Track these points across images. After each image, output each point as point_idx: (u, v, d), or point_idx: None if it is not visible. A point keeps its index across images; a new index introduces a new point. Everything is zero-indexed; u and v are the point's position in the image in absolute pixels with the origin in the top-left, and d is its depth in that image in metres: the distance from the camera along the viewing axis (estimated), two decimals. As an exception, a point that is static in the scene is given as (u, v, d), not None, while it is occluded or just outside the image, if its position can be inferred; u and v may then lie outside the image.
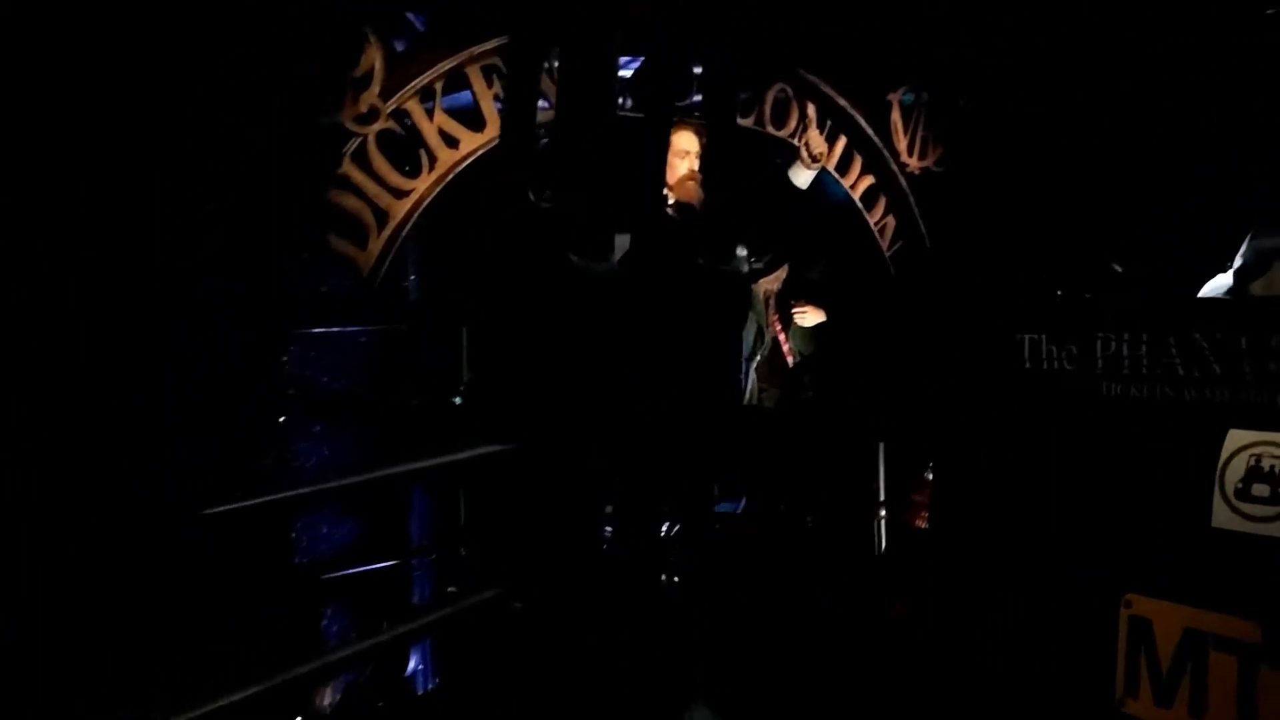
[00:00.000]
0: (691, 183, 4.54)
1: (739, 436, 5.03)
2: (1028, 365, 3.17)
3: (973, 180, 6.32)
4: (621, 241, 3.97)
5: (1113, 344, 3.02)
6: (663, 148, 4.38)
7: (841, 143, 5.93)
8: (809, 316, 5.64)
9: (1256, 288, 4.27)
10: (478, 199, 4.46)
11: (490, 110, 4.54)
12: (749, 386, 5.76)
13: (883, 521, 5.06)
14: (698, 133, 4.68)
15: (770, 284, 5.63)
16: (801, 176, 4.63)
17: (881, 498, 5.10)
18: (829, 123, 5.87)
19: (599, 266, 3.94)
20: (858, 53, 5.80)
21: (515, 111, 3.89)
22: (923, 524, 4.97)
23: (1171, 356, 2.90)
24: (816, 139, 4.59)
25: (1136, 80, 5.89)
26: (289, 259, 4.20)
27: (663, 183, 4.42)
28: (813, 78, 5.70)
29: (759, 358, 5.77)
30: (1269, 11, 4.95)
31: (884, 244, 6.14)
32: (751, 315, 5.66)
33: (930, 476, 4.73)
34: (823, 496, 5.07)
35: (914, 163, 6.14)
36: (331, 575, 4.22)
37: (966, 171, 6.30)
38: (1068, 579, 2.99)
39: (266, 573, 3.72)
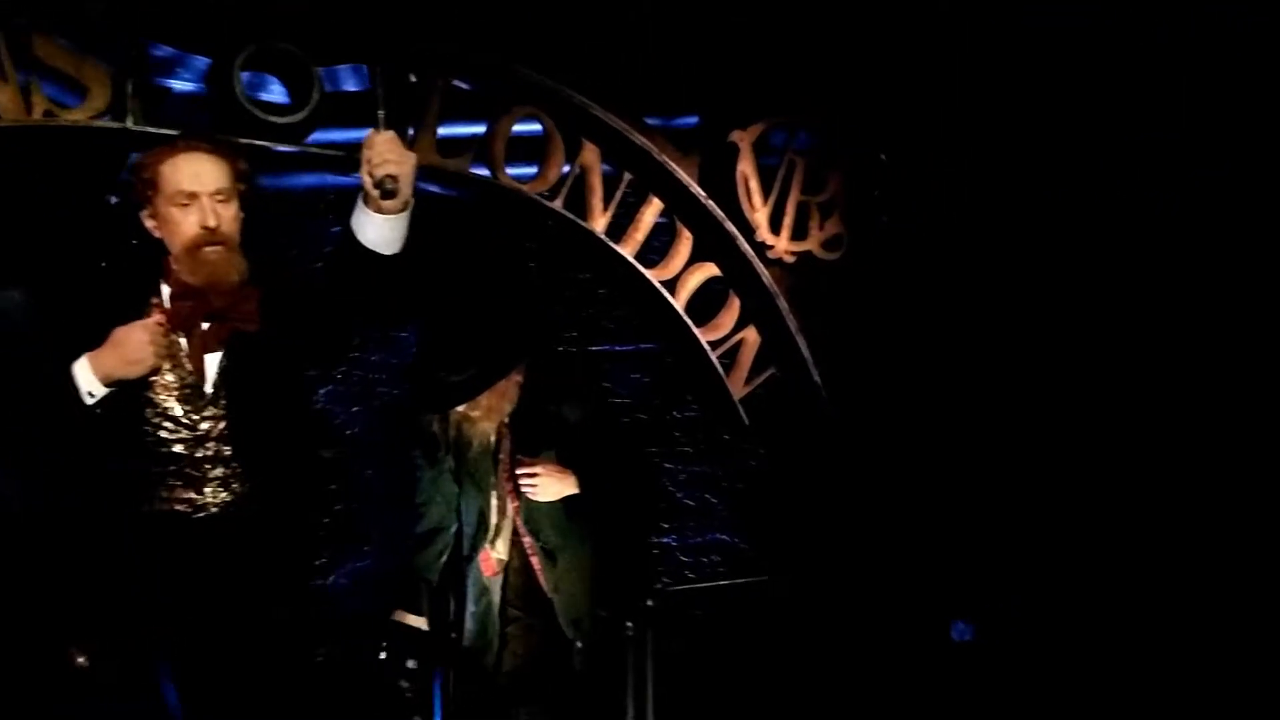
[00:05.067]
0: (215, 250, 2.31)
1: None
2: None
3: (891, 276, 3.96)
4: None
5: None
6: None
7: (651, 209, 3.62)
8: (543, 484, 3.14)
9: None
10: None
11: None
12: (478, 613, 3.27)
13: None
14: (224, 156, 2.41)
15: (489, 418, 3.17)
16: (371, 226, 2.28)
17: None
18: (626, 176, 3.57)
19: None
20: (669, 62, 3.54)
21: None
22: None
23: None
24: (386, 146, 2.21)
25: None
26: None
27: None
28: (580, 98, 3.41)
29: (493, 554, 3.28)
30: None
31: (734, 377, 3.75)
32: (465, 479, 3.22)
33: None
34: None
35: (782, 244, 3.78)
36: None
37: (879, 262, 3.95)
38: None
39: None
